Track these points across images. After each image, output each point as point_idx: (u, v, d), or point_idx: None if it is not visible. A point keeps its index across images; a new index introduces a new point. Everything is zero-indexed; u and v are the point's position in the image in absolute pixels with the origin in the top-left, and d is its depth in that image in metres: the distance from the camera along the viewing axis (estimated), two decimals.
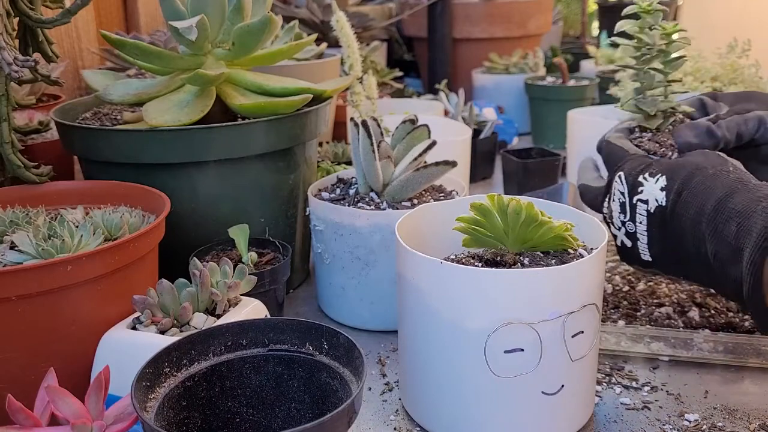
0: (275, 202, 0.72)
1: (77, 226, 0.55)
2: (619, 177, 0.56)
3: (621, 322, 0.64)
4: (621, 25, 0.61)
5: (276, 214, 0.73)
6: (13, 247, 0.54)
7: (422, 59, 1.80)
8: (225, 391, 0.43)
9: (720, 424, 0.53)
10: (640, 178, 0.54)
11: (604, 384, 0.59)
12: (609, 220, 0.58)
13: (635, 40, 0.61)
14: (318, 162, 0.90)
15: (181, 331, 0.49)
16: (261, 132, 0.67)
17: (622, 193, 0.55)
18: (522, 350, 0.47)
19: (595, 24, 2.55)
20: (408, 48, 1.98)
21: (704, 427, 0.53)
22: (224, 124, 0.65)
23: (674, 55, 0.62)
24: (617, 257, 0.79)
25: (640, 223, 0.54)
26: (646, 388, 0.58)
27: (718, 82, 1.12)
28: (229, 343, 0.44)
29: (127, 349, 0.48)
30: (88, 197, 0.66)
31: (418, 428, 0.54)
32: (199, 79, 0.66)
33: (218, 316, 0.51)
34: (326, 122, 0.78)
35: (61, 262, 0.47)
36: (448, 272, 0.48)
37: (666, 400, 0.56)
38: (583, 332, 0.48)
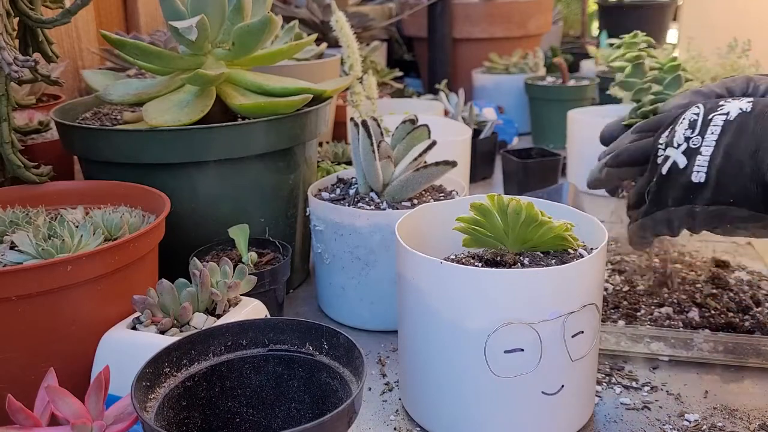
0: (275, 202, 0.72)
1: (77, 226, 0.55)
2: (697, 106, 0.53)
3: (621, 322, 0.64)
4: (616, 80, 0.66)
5: (276, 214, 0.73)
6: (13, 247, 0.54)
7: (422, 59, 1.80)
8: (225, 391, 0.43)
9: (720, 424, 0.53)
10: (722, 102, 0.52)
11: (604, 384, 0.59)
12: (664, 145, 0.54)
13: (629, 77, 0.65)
14: (318, 162, 0.90)
15: (181, 331, 0.49)
16: (261, 132, 0.67)
17: (697, 114, 0.52)
18: (522, 350, 0.47)
19: (595, 24, 2.55)
20: (408, 48, 1.98)
21: (704, 427, 0.53)
22: (224, 124, 0.65)
23: (669, 78, 0.64)
24: (617, 257, 0.79)
25: (712, 133, 0.50)
26: (646, 388, 0.58)
27: None
28: (229, 343, 0.44)
29: (127, 349, 0.48)
30: (88, 197, 0.66)
31: (418, 428, 0.54)
32: (199, 79, 0.66)
33: (218, 316, 0.51)
34: (326, 122, 0.78)
35: (61, 262, 0.47)
36: (448, 272, 0.48)
37: (666, 400, 0.56)
38: (583, 332, 0.48)
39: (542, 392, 0.48)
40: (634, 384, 0.58)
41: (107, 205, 0.63)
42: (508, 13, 1.68)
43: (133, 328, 0.50)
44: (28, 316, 0.48)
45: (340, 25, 0.87)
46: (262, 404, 0.44)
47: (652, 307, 0.67)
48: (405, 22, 1.82)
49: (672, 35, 2.36)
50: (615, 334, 0.62)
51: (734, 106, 0.50)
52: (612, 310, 0.67)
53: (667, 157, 0.52)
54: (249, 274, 0.56)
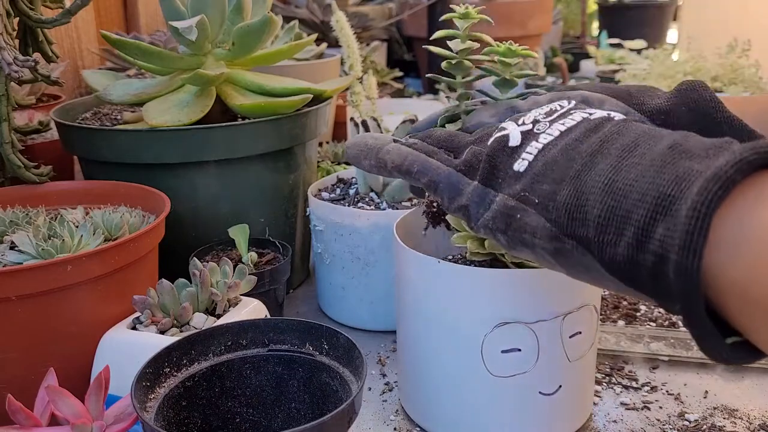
0: (275, 202, 0.72)
1: (77, 226, 0.55)
2: (567, 99, 0.42)
3: (621, 322, 0.64)
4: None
5: (276, 214, 0.73)
6: (13, 247, 0.54)
7: (422, 59, 1.80)
8: (225, 391, 0.43)
9: (720, 424, 0.53)
10: (590, 109, 0.40)
11: (604, 384, 0.59)
12: (509, 120, 0.41)
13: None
14: (318, 162, 0.90)
15: (181, 331, 0.49)
16: (261, 132, 0.67)
17: (562, 106, 0.40)
18: (519, 350, 0.47)
19: (595, 24, 2.55)
20: (408, 48, 1.98)
21: (704, 427, 0.53)
22: (224, 124, 0.65)
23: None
24: None
25: (562, 124, 0.38)
26: (646, 388, 0.58)
27: (718, 82, 1.12)
28: (229, 343, 0.44)
29: (127, 349, 0.48)
30: (88, 197, 0.66)
31: (418, 428, 0.54)
32: (199, 79, 0.66)
33: (218, 316, 0.51)
34: (326, 122, 0.78)
35: (61, 262, 0.47)
36: (446, 272, 0.48)
37: (666, 400, 0.57)
38: (581, 333, 0.48)
39: (540, 392, 0.48)
40: (634, 384, 0.58)
41: (107, 205, 0.63)
42: (508, 13, 1.68)
43: (133, 328, 0.50)
44: (28, 316, 0.48)
45: (340, 25, 0.87)
46: (262, 404, 0.44)
47: (652, 307, 0.67)
48: (405, 22, 1.82)
49: (672, 35, 2.36)
50: (615, 334, 0.62)
51: (605, 112, 0.39)
52: (612, 310, 0.67)
53: (503, 128, 0.40)
54: (249, 274, 0.56)
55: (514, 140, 0.38)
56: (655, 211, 0.27)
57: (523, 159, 0.37)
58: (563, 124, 0.37)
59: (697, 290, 0.25)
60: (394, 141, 0.43)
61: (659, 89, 0.44)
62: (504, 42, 0.49)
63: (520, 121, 0.39)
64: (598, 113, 0.37)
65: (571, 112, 0.38)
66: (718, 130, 0.39)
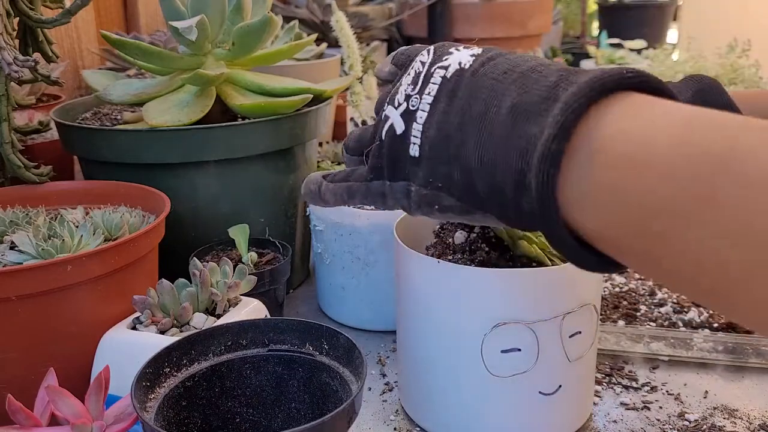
0: (275, 202, 0.72)
1: (77, 226, 0.55)
2: (427, 49, 0.42)
3: (621, 322, 0.64)
4: None
5: (276, 214, 0.73)
6: (13, 247, 0.54)
7: None
8: (225, 391, 0.43)
9: (720, 424, 0.53)
10: (452, 48, 0.41)
11: (604, 384, 0.59)
12: (387, 102, 0.41)
13: None
14: (318, 162, 0.90)
15: (181, 331, 0.49)
16: (261, 132, 0.67)
17: (423, 63, 0.41)
18: (519, 350, 0.47)
19: (595, 24, 2.55)
20: None
21: (704, 427, 0.53)
22: (224, 124, 0.65)
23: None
24: None
25: (428, 93, 0.39)
26: (646, 388, 0.58)
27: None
28: (229, 343, 0.44)
29: (127, 349, 0.48)
30: (88, 197, 0.66)
31: (418, 428, 0.54)
32: (199, 79, 0.66)
33: (218, 316, 0.51)
34: (326, 122, 0.78)
35: (61, 262, 0.47)
36: (445, 271, 0.48)
37: (666, 400, 0.57)
38: (581, 332, 0.48)
39: (539, 392, 0.48)
40: (634, 384, 0.58)
41: (107, 205, 0.63)
42: (508, 13, 1.68)
43: (133, 328, 0.50)
44: (28, 316, 0.48)
45: (340, 25, 0.87)
46: (262, 404, 0.44)
47: (652, 307, 0.67)
48: (405, 22, 1.82)
49: (672, 35, 2.36)
50: (615, 334, 0.62)
51: (456, 59, 0.39)
52: (612, 310, 0.67)
53: (387, 118, 0.41)
54: (249, 274, 0.56)
55: (399, 127, 0.40)
56: (516, 186, 0.32)
57: (413, 144, 0.39)
58: (429, 93, 0.39)
59: (555, 216, 0.31)
60: (323, 177, 0.45)
61: (675, 84, 0.45)
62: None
63: (396, 102, 0.41)
64: (452, 65, 0.39)
65: (431, 71, 0.40)
66: None
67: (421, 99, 0.39)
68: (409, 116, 0.39)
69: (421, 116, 0.39)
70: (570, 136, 0.29)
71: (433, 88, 0.39)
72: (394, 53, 0.46)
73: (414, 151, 0.39)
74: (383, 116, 0.41)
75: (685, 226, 0.25)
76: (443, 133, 0.37)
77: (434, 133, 0.38)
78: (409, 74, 0.41)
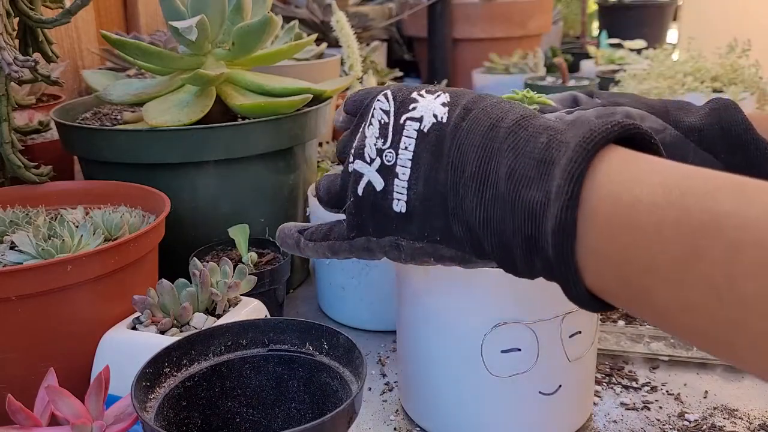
0: (275, 202, 0.72)
1: (77, 226, 0.55)
2: (384, 95, 0.41)
3: (621, 322, 0.64)
4: None
5: (276, 214, 0.73)
6: (13, 247, 0.54)
7: (422, 59, 1.80)
8: (225, 391, 0.43)
9: (720, 424, 0.53)
10: (414, 95, 0.40)
11: (604, 384, 0.59)
12: (355, 157, 0.40)
13: None
14: (318, 162, 0.90)
15: (181, 331, 0.49)
16: (261, 132, 0.67)
17: (386, 112, 0.40)
18: (519, 350, 0.47)
19: (595, 24, 2.55)
20: (408, 48, 1.98)
21: (704, 427, 0.53)
22: (224, 124, 0.65)
23: None
24: None
25: (405, 148, 0.38)
26: (646, 388, 0.58)
27: (718, 82, 1.12)
28: (229, 343, 0.44)
29: (127, 349, 0.48)
30: (88, 197, 0.66)
31: (418, 428, 0.54)
32: (199, 79, 0.66)
33: (218, 316, 0.51)
34: (326, 122, 0.78)
35: (61, 262, 0.47)
36: (446, 271, 0.48)
37: (666, 400, 0.57)
38: (580, 332, 0.48)
39: (539, 392, 0.48)
40: (634, 384, 0.58)
41: (107, 205, 0.63)
42: (508, 13, 1.68)
43: (133, 328, 0.50)
44: (28, 316, 0.48)
45: (341, 25, 0.87)
46: (262, 404, 0.44)
47: None
48: (405, 22, 1.82)
49: (672, 35, 2.36)
50: (615, 334, 0.62)
51: (427, 109, 0.38)
52: (612, 310, 0.67)
53: (360, 174, 0.40)
54: (249, 274, 0.56)
55: (378, 184, 0.39)
56: (528, 250, 0.33)
57: (397, 200, 0.39)
58: (406, 148, 0.38)
59: (576, 278, 0.32)
60: (300, 232, 0.45)
61: (692, 105, 0.48)
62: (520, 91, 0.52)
63: (366, 157, 0.40)
64: (425, 117, 0.38)
65: (401, 123, 0.39)
66: (744, 150, 0.45)
67: (397, 154, 0.39)
68: (387, 172, 0.39)
69: (404, 172, 0.38)
70: (578, 204, 0.31)
71: (409, 142, 0.38)
72: (344, 101, 0.45)
73: (399, 207, 0.39)
74: (353, 171, 0.40)
75: (664, 282, 0.28)
76: (434, 189, 0.37)
77: (423, 189, 0.38)
78: (371, 125, 0.40)
